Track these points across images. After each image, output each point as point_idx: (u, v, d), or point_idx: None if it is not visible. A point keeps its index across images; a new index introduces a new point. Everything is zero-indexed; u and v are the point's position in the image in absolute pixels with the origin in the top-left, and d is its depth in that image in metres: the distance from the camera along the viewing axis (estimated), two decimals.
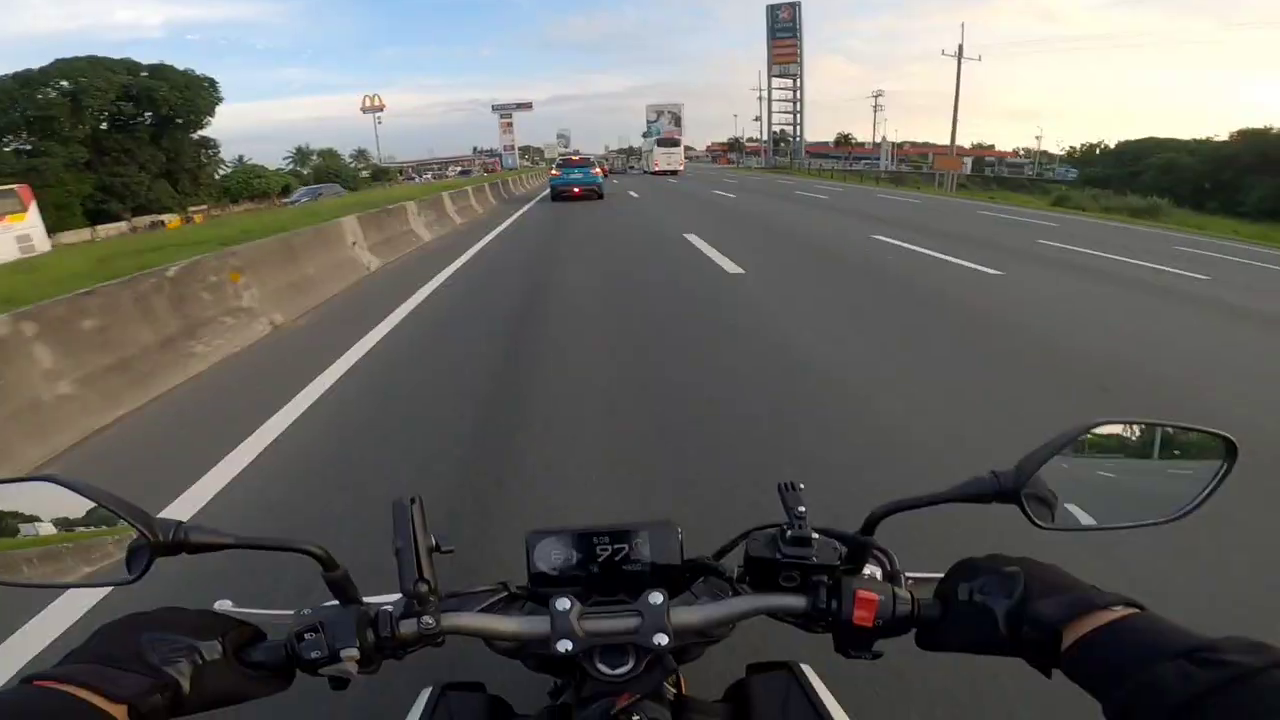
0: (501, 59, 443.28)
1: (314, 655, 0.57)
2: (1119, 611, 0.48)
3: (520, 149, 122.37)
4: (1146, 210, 31.65)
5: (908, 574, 0.65)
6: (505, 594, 0.70)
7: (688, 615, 0.62)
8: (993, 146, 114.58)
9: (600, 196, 21.52)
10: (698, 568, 0.69)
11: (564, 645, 0.60)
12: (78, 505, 0.56)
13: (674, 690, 0.71)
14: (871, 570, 0.64)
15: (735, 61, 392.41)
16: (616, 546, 0.67)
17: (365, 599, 0.62)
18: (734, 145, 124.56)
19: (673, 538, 0.68)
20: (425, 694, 0.72)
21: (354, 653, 0.57)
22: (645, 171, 56.95)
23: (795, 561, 0.62)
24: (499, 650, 0.66)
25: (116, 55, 40.53)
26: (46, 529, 0.58)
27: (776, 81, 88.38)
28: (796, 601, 0.63)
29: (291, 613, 0.62)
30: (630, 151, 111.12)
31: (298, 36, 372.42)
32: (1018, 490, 0.56)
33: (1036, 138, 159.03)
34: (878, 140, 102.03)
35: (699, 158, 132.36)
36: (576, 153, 32.64)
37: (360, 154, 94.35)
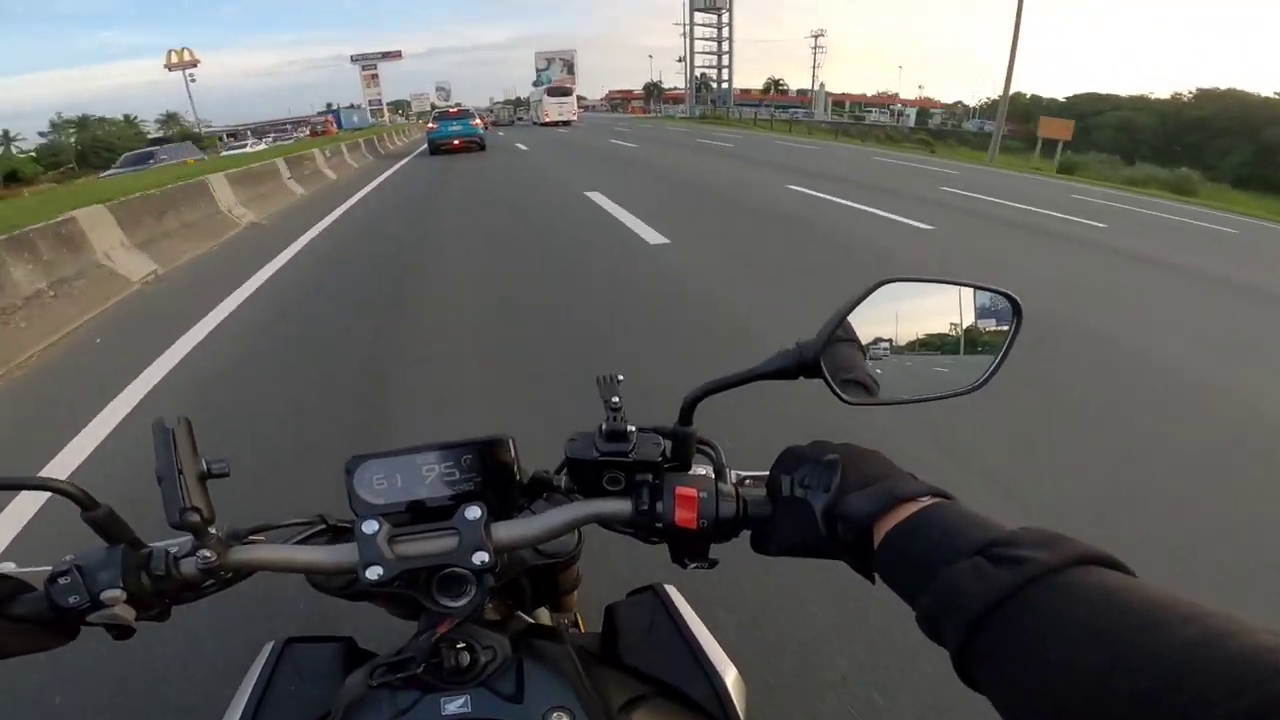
0: (369, 10, 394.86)
1: (71, 601, 0.50)
2: (924, 502, 0.45)
3: (391, 104, 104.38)
4: (1177, 185, 23.23)
5: (743, 472, 0.60)
6: (322, 526, 0.63)
7: (509, 530, 0.57)
8: (896, 95, 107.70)
9: (482, 148, 20.93)
10: (535, 483, 0.62)
11: (374, 572, 0.53)
12: None
13: (530, 619, 0.70)
14: (706, 470, 0.58)
15: (629, 9, 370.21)
16: (445, 466, 0.58)
17: (154, 544, 0.55)
18: (651, 91, 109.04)
19: (505, 452, 0.59)
20: (266, 649, 0.68)
21: (117, 594, 0.50)
22: (535, 123, 51.72)
23: (614, 459, 0.57)
24: (322, 588, 0.62)
25: None
26: None
27: (700, 17, 74.11)
28: (621, 506, 0.57)
29: (44, 568, 0.55)
30: (518, 102, 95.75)
31: None
32: (818, 359, 0.53)
33: (920, 86, 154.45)
34: (809, 87, 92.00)
35: (595, 107, 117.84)
36: (457, 105, 31.12)
37: (170, 118, 74.68)
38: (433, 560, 0.54)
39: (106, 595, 0.50)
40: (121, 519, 0.53)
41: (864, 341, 0.57)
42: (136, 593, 0.51)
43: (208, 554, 0.52)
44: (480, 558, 0.53)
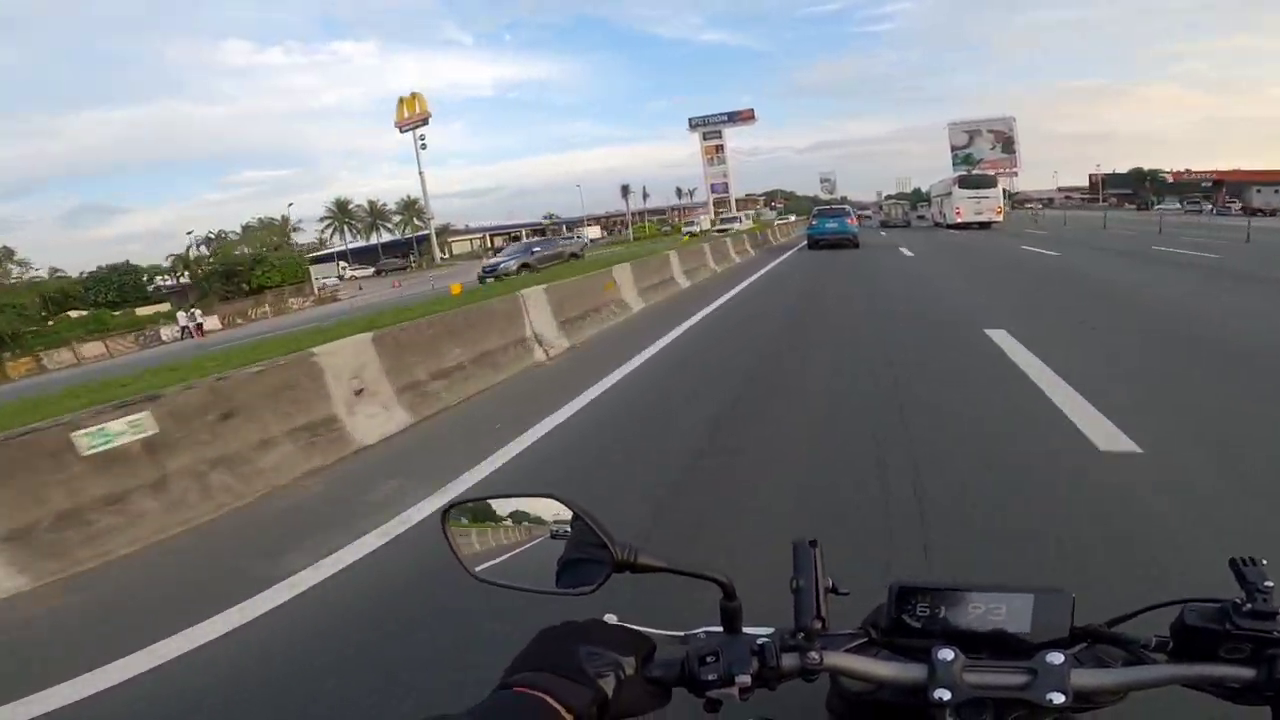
0: (757, 107, 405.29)
1: (710, 678, 0.63)
2: None
3: (765, 197, 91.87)
4: None
5: None
6: (867, 639, 0.70)
7: (1092, 677, 0.61)
8: None
9: (856, 246, 21.90)
10: (1088, 634, 0.66)
11: (942, 694, 0.60)
12: (563, 519, 0.68)
13: None
14: None
15: (1019, 96, 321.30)
16: (992, 607, 0.65)
17: (745, 629, 0.67)
18: None
19: (1064, 607, 0.64)
20: None
21: (746, 680, 0.62)
22: (939, 224, 40.42)
23: (1252, 634, 0.61)
24: (849, 690, 0.70)
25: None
26: (534, 535, 0.70)
27: None
28: (1242, 672, 0.61)
29: (676, 633, 0.70)
30: (917, 197, 75.53)
31: (585, 93, 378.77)
32: None
33: None
34: None
35: (1051, 203, 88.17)
36: (843, 199, 35.40)
37: (409, 206, 63.13)
38: (1005, 693, 0.60)
39: (740, 679, 0.62)
40: (742, 613, 0.66)
41: None
42: (752, 676, 0.62)
43: (814, 656, 0.62)
44: (1056, 697, 0.59)
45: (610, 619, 0.69)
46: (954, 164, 68.53)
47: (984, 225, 34.46)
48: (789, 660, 0.63)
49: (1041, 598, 0.64)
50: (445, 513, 0.72)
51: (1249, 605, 0.60)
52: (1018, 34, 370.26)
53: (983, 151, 68.26)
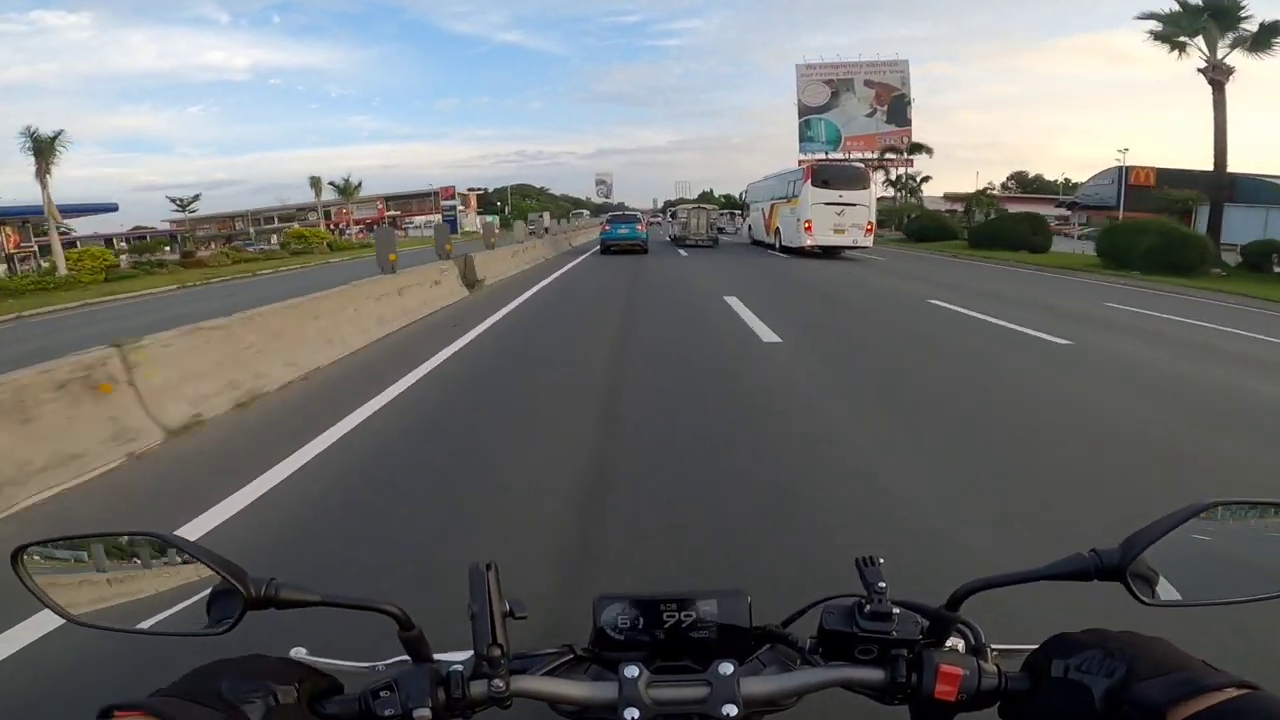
0: (549, 111, 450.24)
1: (387, 713, 0.60)
2: (1230, 693, 0.47)
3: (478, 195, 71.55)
4: None
5: (994, 646, 0.66)
6: (570, 656, 0.70)
7: (759, 685, 0.63)
8: None
9: (645, 251, 22.12)
10: (766, 636, 0.70)
11: (630, 713, 0.61)
12: (178, 559, 0.63)
13: None
14: (954, 642, 0.65)
15: (777, 112, 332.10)
16: (684, 613, 0.68)
17: (436, 656, 0.65)
18: None
19: (742, 605, 0.69)
20: None
21: (426, 713, 0.60)
22: (759, 242, 26.29)
23: (874, 635, 0.63)
24: (563, 714, 0.68)
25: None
26: (149, 579, 0.64)
27: None
28: (873, 674, 0.63)
29: (365, 665, 0.68)
30: (727, 203, 50.05)
31: (367, 85, 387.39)
32: (1122, 569, 0.57)
33: None
34: None
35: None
36: (621, 204, 45.35)
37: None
38: (685, 709, 0.61)
39: (419, 713, 0.59)
40: (426, 639, 0.63)
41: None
42: (434, 709, 0.60)
43: (500, 683, 0.61)
44: (729, 710, 0.60)
45: (298, 653, 0.67)
46: (801, 139, 40.68)
47: (831, 251, 20.19)
48: (477, 688, 0.61)
49: (724, 601, 0.67)
50: (17, 555, 0.62)
51: (869, 606, 0.63)
52: (785, 54, 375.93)
53: (855, 119, 40.60)
